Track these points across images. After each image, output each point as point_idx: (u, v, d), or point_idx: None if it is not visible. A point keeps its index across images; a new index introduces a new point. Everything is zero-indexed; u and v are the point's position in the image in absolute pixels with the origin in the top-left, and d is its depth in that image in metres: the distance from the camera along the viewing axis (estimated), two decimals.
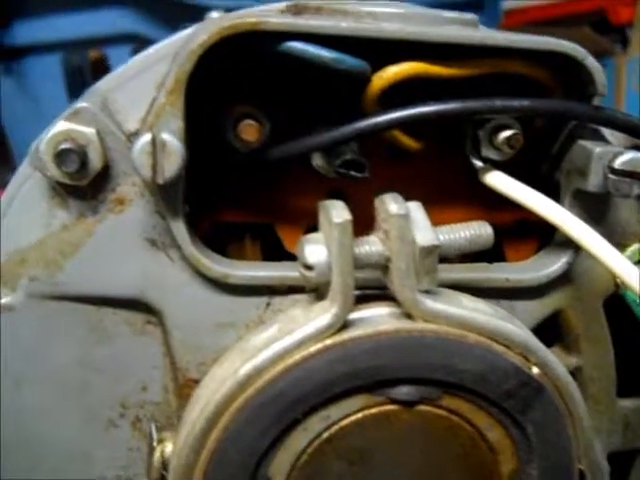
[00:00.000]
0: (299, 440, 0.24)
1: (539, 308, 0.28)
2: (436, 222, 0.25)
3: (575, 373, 0.29)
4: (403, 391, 0.23)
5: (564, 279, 0.28)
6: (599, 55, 1.24)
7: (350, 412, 0.24)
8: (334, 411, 0.24)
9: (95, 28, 0.78)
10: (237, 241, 0.30)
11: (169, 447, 0.26)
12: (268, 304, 0.26)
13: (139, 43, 0.75)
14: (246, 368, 0.23)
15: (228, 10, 0.38)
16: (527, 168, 0.29)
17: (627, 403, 0.30)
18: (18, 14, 0.75)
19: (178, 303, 0.26)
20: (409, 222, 0.23)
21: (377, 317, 0.24)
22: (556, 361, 0.25)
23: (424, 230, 0.23)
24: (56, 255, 0.26)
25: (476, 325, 0.24)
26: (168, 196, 0.25)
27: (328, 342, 0.23)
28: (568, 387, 0.25)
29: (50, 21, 0.78)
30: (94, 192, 0.26)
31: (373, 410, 0.24)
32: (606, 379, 0.29)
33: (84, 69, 0.76)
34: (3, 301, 0.26)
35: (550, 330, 0.29)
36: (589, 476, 0.26)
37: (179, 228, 0.25)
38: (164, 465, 0.26)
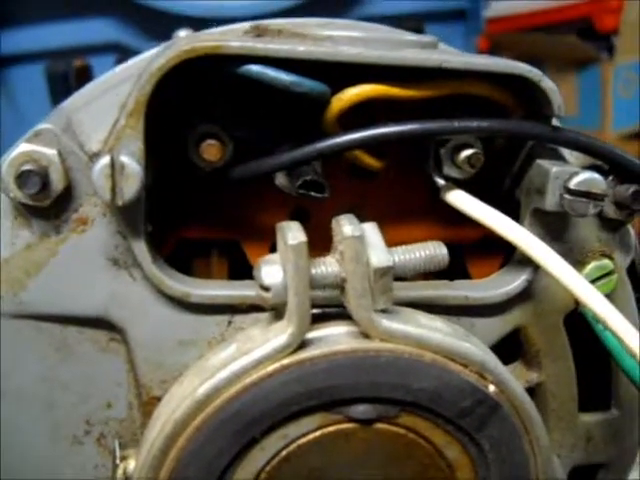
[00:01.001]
0: (257, 459, 0.24)
1: (499, 325, 0.28)
2: (399, 240, 0.26)
3: (536, 389, 0.30)
4: (360, 410, 0.24)
5: (524, 296, 0.28)
6: (585, 62, 1.25)
7: (308, 431, 0.24)
8: (292, 430, 0.24)
9: (79, 37, 0.79)
10: (204, 258, 0.30)
11: (132, 464, 0.26)
12: (230, 322, 0.26)
13: (123, 53, 0.76)
14: (204, 387, 0.23)
15: (208, 20, 0.38)
16: (489, 187, 0.29)
17: (589, 418, 0.31)
18: (2, 23, 0.75)
19: (141, 321, 0.26)
20: (364, 244, 0.23)
21: (334, 336, 0.24)
22: (513, 379, 0.25)
23: (379, 251, 0.23)
24: (20, 274, 0.26)
25: (432, 344, 0.24)
26: (129, 217, 0.25)
27: (285, 362, 0.23)
28: (525, 405, 0.25)
29: (34, 30, 0.78)
30: (57, 212, 0.26)
31: (331, 429, 0.24)
32: (567, 394, 0.30)
33: (68, 78, 0.76)
34: None
35: (511, 346, 0.29)
36: None
37: (140, 248, 0.25)
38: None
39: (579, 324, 0.29)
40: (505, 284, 0.28)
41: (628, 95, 1.24)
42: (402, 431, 0.25)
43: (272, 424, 0.24)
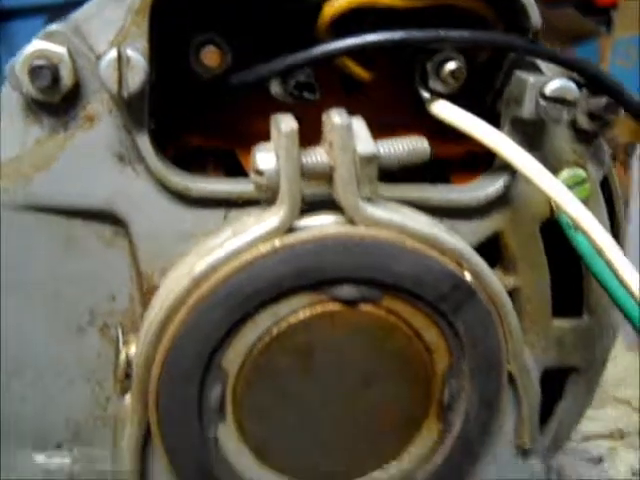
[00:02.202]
0: (250, 335, 0.26)
1: (479, 229, 0.30)
2: None
3: (513, 293, 0.32)
4: (344, 290, 0.26)
5: (502, 202, 0.30)
6: (584, 36, 1.26)
7: (296, 310, 0.26)
8: (282, 308, 0.26)
9: None
10: (200, 168, 0.32)
11: (133, 348, 0.28)
12: (226, 216, 0.28)
13: None
14: (201, 265, 0.25)
15: None
16: (472, 102, 0.31)
17: (562, 323, 0.33)
18: None
19: (143, 214, 0.28)
20: (351, 133, 0.25)
21: (322, 223, 0.26)
22: (488, 270, 0.27)
23: (365, 141, 0.25)
24: (30, 169, 0.28)
25: (414, 232, 0.26)
26: (133, 110, 0.27)
27: (276, 243, 0.25)
28: (499, 294, 0.27)
29: None
30: (66, 109, 0.28)
31: (318, 309, 0.26)
32: (541, 299, 0.32)
33: None
34: None
35: (490, 254, 0.31)
36: (517, 378, 0.28)
37: (144, 142, 0.27)
38: (129, 364, 0.28)
39: (554, 235, 0.31)
40: (485, 188, 0.30)
41: (627, 67, 1.25)
42: (384, 314, 0.27)
43: (263, 302, 0.25)
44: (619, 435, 0.53)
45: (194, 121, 0.31)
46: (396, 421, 0.28)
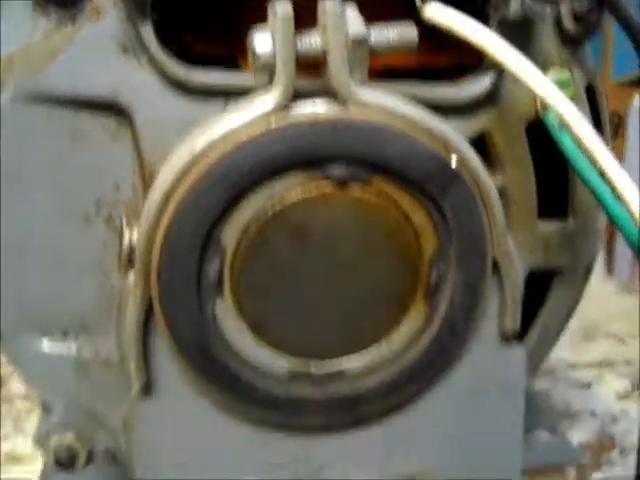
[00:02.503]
0: (247, 212, 0.28)
1: (466, 127, 0.31)
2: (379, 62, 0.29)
3: (499, 194, 0.33)
4: (336, 170, 0.27)
5: (489, 102, 0.32)
6: None
7: (291, 189, 0.28)
8: (277, 187, 0.27)
9: None
10: None
11: (136, 234, 0.30)
12: (224, 107, 0.30)
13: None
14: (200, 143, 0.27)
15: None
16: (464, 7, 0.32)
17: (547, 225, 0.34)
18: None
19: (146, 104, 0.29)
20: (344, 16, 0.26)
21: (316, 107, 0.27)
22: (475, 157, 0.29)
23: (357, 24, 0.26)
24: (37, 61, 0.30)
25: (403, 115, 0.27)
26: (137, 1, 0.28)
27: (272, 123, 0.27)
28: (484, 181, 0.29)
29: None
30: (73, 2, 0.29)
31: (311, 189, 0.28)
32: (528, 199, 0.33)
33: None
34: None
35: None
36: (501, 263, 0.30)
37: (147, 32, 0.29)
38: (132, 248, 0.30)
39: (539, 137, 0.32)
40: (472, 85, 0.31)
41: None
42: (374, 195, 0.28)
43: (259, 180, 0.27)
44: (607, 364, 0.55)
45: (197, 26, 0.32)
46: (386, 301, 0.29)
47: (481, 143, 0.32)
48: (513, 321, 0.31)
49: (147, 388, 0.30)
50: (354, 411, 0.30)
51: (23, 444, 0.49)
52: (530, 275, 0.34)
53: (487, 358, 0.31)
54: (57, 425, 0.34)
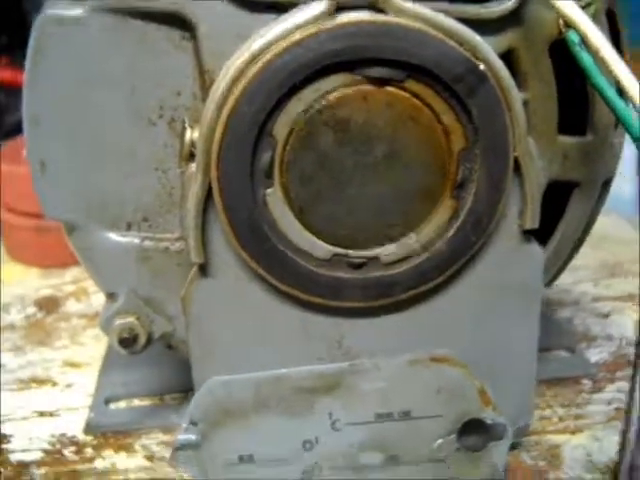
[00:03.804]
0: (296, 107, 0.31)
1: (495, 43, 0.34)
2: None
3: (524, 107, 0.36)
4: (375, 70, 0.31)
5: (516, 20, 0.35)
6: None
7: (335, 87, 0.31)
8: (323, 84, 0.31)
9: None
10: None
11: (196, 133, 0.34)
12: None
13: None
14: (257, 44, 0.31)
15: None
16: None
17: (566, 139, 0.37)
18: None
19: (209, 16, 0.33)
20: None
21: (359, 15, 0.31)
22: (502, 65, 0.32)
23: None
24: None
25: (436, 23, 0.31)
26: None
27: (321, 25, 0.30)
28: (508, 85, 0.32)
29: None
30: None
31: (353, 88, 0.31)
32: (549, 113, 0.36)
33: None
34: (73, 13, 0.34)
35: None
36: (523, 162, 0.33)
37: None
38: (193, 144, 0.33)
39: (561, 57, 0.35)
40: (499, 4, 0.34)
41: None
42: (408, 95, 0.32)
43: (307, 78, 0.31)
44: (628, 298, 0.57)
45: None
46: (417, 195, 0.33)
47: (508, 60, 0.36)
48: (532, 219, 0.34)
49: (204, 269, 0.34)
50: (386, 295, 0.34)
51: (80, 353, 0.53)
52: (550, 189, 0.37)
53: (508, 254, 0.35)
54: (120, 311, 0.38)
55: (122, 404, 0.49)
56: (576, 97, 0.37)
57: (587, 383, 0.48)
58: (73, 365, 0.54)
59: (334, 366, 0.36)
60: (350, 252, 0.34)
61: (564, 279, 0.55)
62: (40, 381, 0.52)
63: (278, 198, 0.32)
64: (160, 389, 0.50)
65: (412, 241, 0.34)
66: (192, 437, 0.36)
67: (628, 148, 0.39)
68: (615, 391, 0.47)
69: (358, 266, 0.34)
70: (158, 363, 0.51)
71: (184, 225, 0.33)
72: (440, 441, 0.37)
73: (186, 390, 0.48)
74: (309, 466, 0.36)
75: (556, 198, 0.39)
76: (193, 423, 0.36)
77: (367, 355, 0.36)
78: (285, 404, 0.36)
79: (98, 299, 0.62)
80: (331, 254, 0.33)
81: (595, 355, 0.51)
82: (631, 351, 0.51)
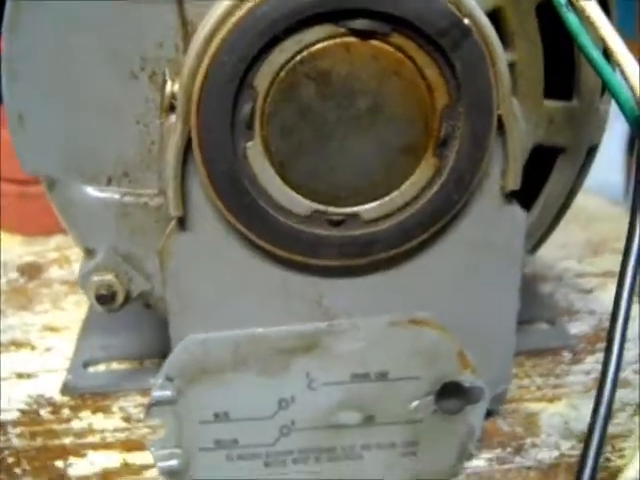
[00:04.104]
0: (278, 58, 0.31)
1: (482, 1, 0.34)
2: None
3: (510, 68, 0.36)
4: (359, 22, 0.30)
5: None
6: None
7: (318, 38, 0.31)
8: (306, 36, 0.31)
9: None
10: None
11: (177, 86, 0.33)
12: None
13: None
14: None
15: None
16: None
17: (552, 103, 0.37)
18: None
19: None
20: None
21: None
22: (487, 22, 0.32)
23: None
24: None
25: None
26: None
27: None
28: (493, 42, 0.32)
29: None
30: None
31: (337, 40, 0.31)
32: (535, 75, 0.36)
33: None
34: None
35: None
36: (506, 122, 0.33)
37: None
38: (173, 96, 0.33)
39: (549, 18, 0.35)
40: None
41: None
42: (392, 49, 0.31)
43: (289, 28, 0.30)
44: (611, 275, 0.57)
45: None
46: (400, 152, 0.33)
47: (494, 20, 0.35)
48: (515, 180, 0.34)
49: (182, 223, 0.34)
50: (366, 254, 0.34)
51: (60, 318, 0.53)
52: (535, 155, 0.37)
53: (489, 215, 0.35)
54: (98, 267, 0.38)
55: (101, 367, 0.49)
56: (563, 61, 0.37)
57: (567, 355, 0.48)
58: (53, 329, 0.54)
59: (312, 326, 0.36)
60: (330, 209, 0.33)
61: (549, 255, 0.56)
62: (19, 344, 0.52)
63: (258, 151, 0.32)
64: (139, 353, 0.50)
65: (394, 199, 0.33)
66: (167, 393, 0.35)
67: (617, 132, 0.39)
68: (594, 362, 0.47)
69: (338, 223, 0.33)
70: (138, 327, 0.51)
71: (163, 177, 0.33)
72: (417, 402, 0.37)
73: (165, 355, 0.48)
74: (285, 424, 0.36)
75: (541, 164, 0.39)
76: (169, 379, 0.35)
77: (346, 316, 0.36)
78: (262, 363, 0.36)
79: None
80: (311, 210, 0.33)
81: (576, 328, 0.51)
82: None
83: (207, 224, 0.34)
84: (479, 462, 0.39)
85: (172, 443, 0.36)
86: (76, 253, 0.64)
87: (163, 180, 0.33)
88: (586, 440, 0.31)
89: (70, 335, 0.53)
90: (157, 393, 0.36)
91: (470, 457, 0.39)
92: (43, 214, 0.66)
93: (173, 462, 0.36)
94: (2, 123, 0.67)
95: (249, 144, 0.32)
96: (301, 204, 0.33)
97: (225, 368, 0.36)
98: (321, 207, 0.33)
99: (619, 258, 0.59)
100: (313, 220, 0.34)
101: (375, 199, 0.34)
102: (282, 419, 0.36)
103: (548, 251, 0.57)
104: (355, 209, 0.34)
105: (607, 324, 0.49)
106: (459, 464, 0.38)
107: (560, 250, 0.61)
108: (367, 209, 0.34)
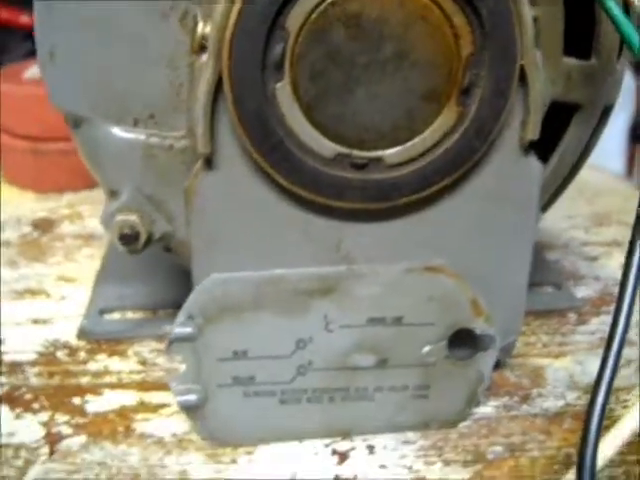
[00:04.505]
0: (309, 1, 0.32)
1: None
2: None
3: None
4: None
5: None
6: None
7: None
8: None
9: None
10: None
11: (208, 28, 0.34)
12: None
13: None
14: None
15: None
16: None
17: (570, 61, 0.38)
18: None
19: None
20: None
21: None
22: None
23: None
24: None
25: None
26: None
27: None
28: None
29: None
30: None
31: None
32: (555, 32, 0.37)
33: None
34: None
35: None
36: (528, 72, 0.34)
37: None
38: (204, 37, 0.34)
39: None
40: None
41: None
42: None
43: None
44: (616, 244, 0.59)
45: None
46: (425, 96, 0.33)
47: None
48: (534, 130, 0.35)
49: (209, 162, 0.34)
50: (387, 198, 0.35)
51: (74, 269, 0.54)
52: (551, 112, 0.38)
53: (508, 165, 0.36)
54: (122, 207, 0.38)
55: (115, 316, 0.50)
56: (583, 20, 0.38)
57: (572, 316, 0.49)
58: (67, 280, 0.55)
59: (332, 269, 0.37)
60: (354, 152, 0.34)
61: (555, 225, 0.57)
62: (34, 292, 0.53)
63: (287, 92, 0.33)
64: (154, 304, 0.51)
65: (416, 144, 0.34)
66: (188, 330, 0.36)
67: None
68: (599, 324, 0.48)
69: (361, 167, 0.34)
70: (152, 279, 0.52)
71: (193, 115, 0.34)
72: (429, 347, 0.38)
73: (179, 306, 0.49)
74: (302, 364, 0.37)
75: (557, 121, 0.40)
76: (190, 317, 0.36)
77: (364, 260, 0.37)
78: (282, 304, 0.37)
79: (93, 222, 0.62)
80: (335, 153, 0.34)
81: (581, 292, 0.52)
82: (617, 291, 0.52)
83: (233, 163, 0.35)
84: (486, 409, 0.40)
85: (191, 379, 0.37)
86: (88, 210, 0.65)
87: (192, 118, 0.34)
88: (594, 387, 0.32)
89: (84, 285, 0.54)
90: (178, 330, 0.37)
91: (477, 404, 0.40)
92: (56, 171, 0.68)
93: (191, 397, 0.37)
94: (13, 80, 0.68)
95: (278, 85, 0.33)
96: (326, 146, 0.34)
97: (245, 307, 0.37)
98: (345, 150, 0.34)
99: (624, 229, 0.60)
100: (337, 163, 0.34)
101: (398, 144, 0.34)
102: (299, 359, 0.37)
103: (555, 222, 0.59)
104: (379, 153, 0.35)
105: (612, 289, 0.50)
106: (468, 409, 0.40)
107: (566, 221, 0.62)
108: (390, 153, 0.35)
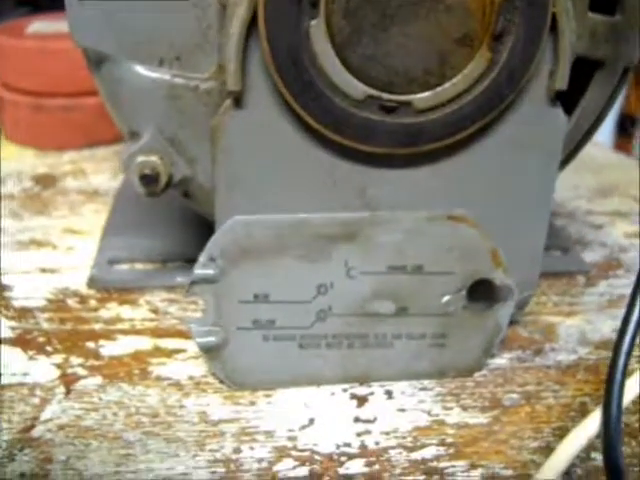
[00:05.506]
0: None
1: None
2: None
3: None
4: None
5: None
6: None
7: None
8: None
9: None
10: None
11: None
12: None
13: None
14: None
15: None
16: None
17: (596, 16, 0.38)
18: None
19: None
20: None
21: None
22: None
23: None
24: None
25: None
26: None
27: None
28: None
29: None
30: None
31: None
32: None
33: None
34: None
35: None
36: (559, 20, 0.34)
37: None
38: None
39: None
40: None
41: None
42: None
43: None
44: (618, 214, 0.59)
45: None
46: (456, 41, 0.33)
47: None
48: (562, 81, 0.35)
49: (239, 101, 0.34)
50: (415, 143, 0.35)
51: (79, 222, 0.54)
52: (574, 67, 0.38)
53: (535, 115, 0.36)
54: (143, 148, 0.38)
55: (125, 266, 0.49)
56: None
57: (581, 279, 0.50)
58: (73, 232, 0.54)
59: (355, 215, 0.37)
60: (384, 95, 0.34)
61: (561, 195, 0.57)
62: (40, 243, 0.52)
63: (321, 30, 0.33)
64: (162, 255, 0.50)
65: (446, 89, 0.34)
66: (209, 272, 0.36)
67: None
68: (607, 286, 0.49)
69: (390, 110, 0.34)
70: (160, 231, 0.52)
71: (224, 53, 0.33)
72: (449, 297, 0.38)
73: (188, 260, 0.49)
74: (323, 309, 0.37)
75: (578, 81, 0.40)
76: (211, 259, 0.36)
77: (388, 207, 0.37)
78: (304, 248, 0.37)
79: (97, 179, 0.62)
80: (365, 95, 0.34)
81: (589, 257, 0.52)
82: (623, 256, 0.52)
83: (263, 102, 0.35)
84: (501, 360, 0.41)
85: (211, 321, 0.37)
86: (91, 167, 0.65)
87: (224, 56, 0.34)
88: (618, 337, 0.32)
89: (91, 238, 0.53)
90: (199, 271, 0.36)
91: (492, 356, 0.40)
92: (57, 128, 0.67)
93: (211, 339, 0.37)
94: (15, 34, 0.67)
95: (313, 22, 0.33)
96: (357, 87, 0.34)
97: (267, 251, 0.37)
98: (375, 92, 0.34)
99: (628, 201, 0.61)
100: (366, 105, 0.34)
101: (428, 89, 0.34)
102: (320, 304, 0.37)
103: (560, 192, 0.59)
104: (408, 97, 0.35)
105: (618, 255, 0.51)
106: (484, 358, 0.40)
107: (572, 191, 0.63)
108: (420, 98, 0.35)
